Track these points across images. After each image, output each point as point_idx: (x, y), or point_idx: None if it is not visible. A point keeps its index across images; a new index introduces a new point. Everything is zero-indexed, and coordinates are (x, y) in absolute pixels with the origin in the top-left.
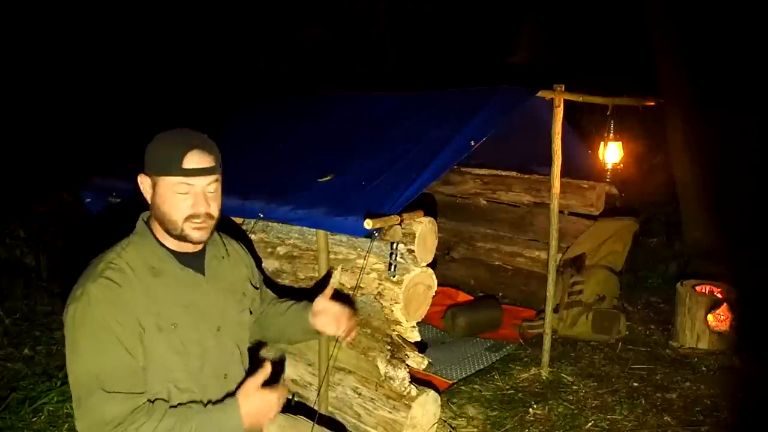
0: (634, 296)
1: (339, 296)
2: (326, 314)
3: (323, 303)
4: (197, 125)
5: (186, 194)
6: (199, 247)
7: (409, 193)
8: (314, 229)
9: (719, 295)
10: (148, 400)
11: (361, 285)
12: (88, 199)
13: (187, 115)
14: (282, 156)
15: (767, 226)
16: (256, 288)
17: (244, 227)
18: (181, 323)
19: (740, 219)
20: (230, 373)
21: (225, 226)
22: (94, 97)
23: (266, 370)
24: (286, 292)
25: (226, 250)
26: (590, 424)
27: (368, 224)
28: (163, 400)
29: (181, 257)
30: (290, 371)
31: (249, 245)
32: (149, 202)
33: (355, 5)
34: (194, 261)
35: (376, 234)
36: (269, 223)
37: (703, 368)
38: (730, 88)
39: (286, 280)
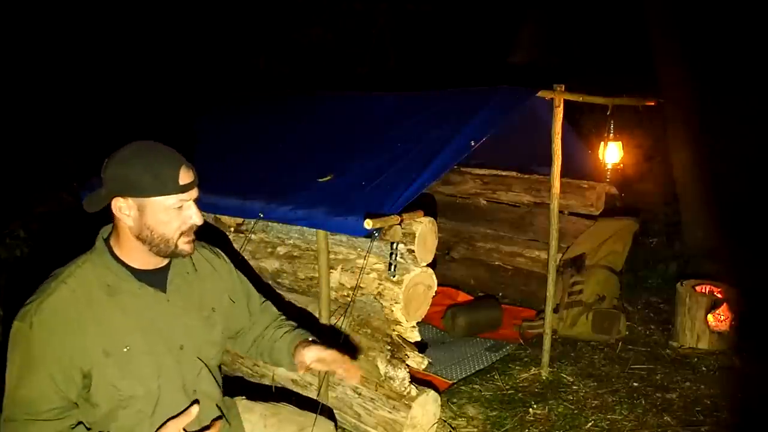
0: (634, 296)
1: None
2: (321, 363)
3: (318, 354)
4: (198, 125)
5: (180, 209)
6: (164, 262)
7: (409, 193)
8: (314, 229)
9: (719, 295)
10: (72, 426)
11: (361, 285)
12: None
13: (187, 115)
14: (282, 156)
15: (767, 226)
16: (233, 301)
17: (243, 227)
18: (135, 345)
19: (740, 219)
20: (200, 389)
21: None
22: (94, 98)
23: (191, 412)
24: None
25: (193, 264)
26: (590, 424)
27: (368, 224)
28: (84, 426)
29: (141, 275)
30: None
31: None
32: (130, 224)
33: (355, 5)
34: (155, 278)
35: (376, 234)
36: (269, 223)
37: (703, 368)
38: (730, 87)
39: (286, 280)
